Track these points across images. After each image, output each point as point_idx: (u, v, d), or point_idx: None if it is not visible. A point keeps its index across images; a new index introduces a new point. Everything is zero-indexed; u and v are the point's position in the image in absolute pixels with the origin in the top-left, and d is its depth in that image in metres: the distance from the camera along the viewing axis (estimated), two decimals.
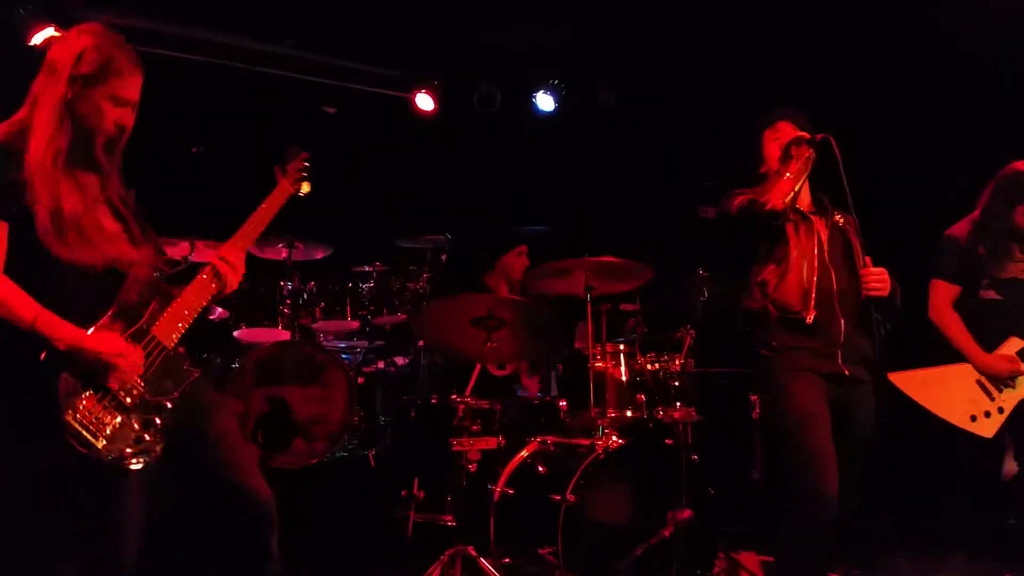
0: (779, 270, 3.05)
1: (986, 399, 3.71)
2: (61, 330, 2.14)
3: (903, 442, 4.08)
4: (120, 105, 2.35)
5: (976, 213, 3.90)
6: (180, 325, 2.34)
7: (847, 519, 2.89)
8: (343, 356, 5.26)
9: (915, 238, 4.17)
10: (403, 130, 6.22)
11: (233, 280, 2.47)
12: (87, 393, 2.14)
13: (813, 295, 2.98)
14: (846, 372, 2.97)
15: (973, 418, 3.69)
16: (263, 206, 2.64)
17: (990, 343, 3.76)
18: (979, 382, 3.74)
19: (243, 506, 2.37)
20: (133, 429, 2.18)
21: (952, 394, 3.72)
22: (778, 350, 3.02)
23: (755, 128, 3.27)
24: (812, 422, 2.89)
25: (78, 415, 2.11)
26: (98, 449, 2.11)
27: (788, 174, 2.98)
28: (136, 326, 2.27)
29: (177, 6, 5.18)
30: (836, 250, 3.11)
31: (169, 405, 2.26)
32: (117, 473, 2.14)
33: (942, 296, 3.83)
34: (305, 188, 2.78)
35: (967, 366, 3.75)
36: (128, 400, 2.20)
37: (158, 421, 2.22)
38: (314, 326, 5.37)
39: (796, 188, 2.97)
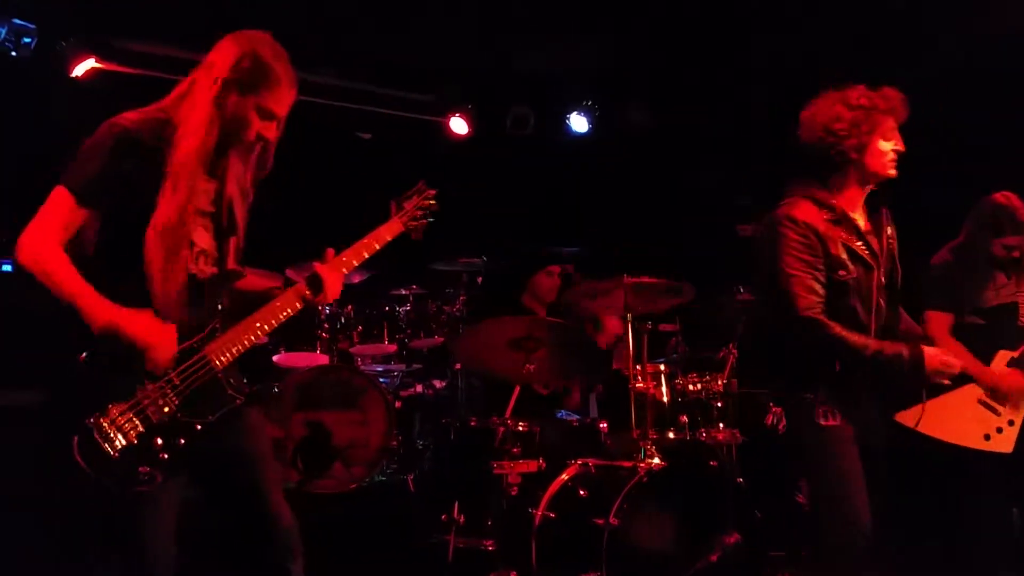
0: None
1: (993, 416, 3.71)
2: (99, 309, 2.08)
3: (924, 464, 3.98)
4: (265, 118, 2.30)
5: (956, 241, 3.93)
6: (235, 349, 2.27)
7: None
8: (381, 380, 5.25)
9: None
10: (437, 154, 6.24)
11: (331, 289, 2.41)
12: (115, 402, 2.09)
13: None
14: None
15: (987, 437, 3.68)
16: (365, 240, 2.51)
17: None
18: (981, 401, 3.73)
19: (267, 532, 2.29)
20: (153, 446, 2.11)
21: (959, 420, 3.70)
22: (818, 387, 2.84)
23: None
24: (844, 448, 2.77)
25: (102, 421, 2.06)
26: (110, 461, 2.04)
27: None
28: (189, 343, 2.21)
29: (214, 37, 5.26)
30: (885, 311, 2.89)
31: (199, 427, 2.19)
32: (123, 489, 2.07)
33: (937, 326, 3.82)
34: (419, 231, 2.56)
35: (965, 389, 3.72)
36: (156, 416, 2.13)
37: (182, 442, 2.15)
38: (352, 350, 5.39)
39: None
